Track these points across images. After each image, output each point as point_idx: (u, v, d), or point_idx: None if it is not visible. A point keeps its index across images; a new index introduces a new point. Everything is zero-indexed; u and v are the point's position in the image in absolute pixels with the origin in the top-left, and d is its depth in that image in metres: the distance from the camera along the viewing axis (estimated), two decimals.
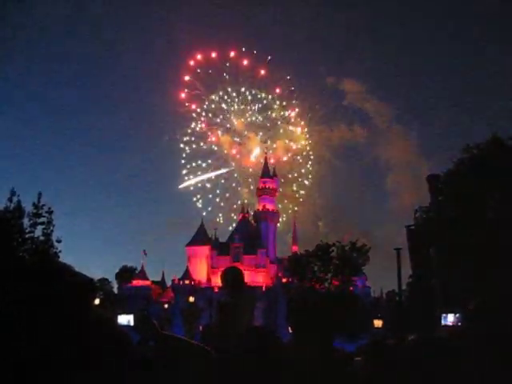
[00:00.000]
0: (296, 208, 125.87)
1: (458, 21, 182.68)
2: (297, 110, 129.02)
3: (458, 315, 18.32)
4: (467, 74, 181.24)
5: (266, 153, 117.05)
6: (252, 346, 2.82)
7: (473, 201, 24.26)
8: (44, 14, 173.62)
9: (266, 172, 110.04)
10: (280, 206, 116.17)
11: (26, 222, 21.77)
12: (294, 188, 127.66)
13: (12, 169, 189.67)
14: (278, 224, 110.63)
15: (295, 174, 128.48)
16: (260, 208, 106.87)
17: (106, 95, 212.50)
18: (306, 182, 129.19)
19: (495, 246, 22.26)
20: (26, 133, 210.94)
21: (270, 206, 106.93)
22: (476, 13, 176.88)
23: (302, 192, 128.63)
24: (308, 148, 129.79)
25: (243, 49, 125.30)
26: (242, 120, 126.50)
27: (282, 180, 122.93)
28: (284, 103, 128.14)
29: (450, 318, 19.61)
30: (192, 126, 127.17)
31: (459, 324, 17.57)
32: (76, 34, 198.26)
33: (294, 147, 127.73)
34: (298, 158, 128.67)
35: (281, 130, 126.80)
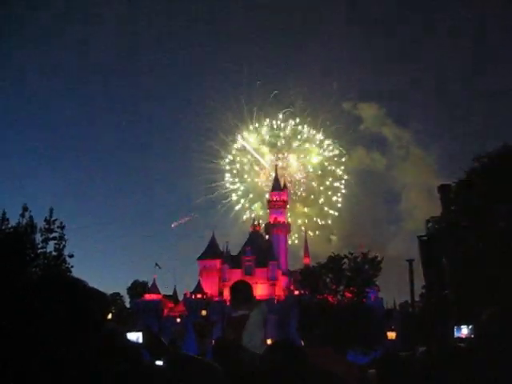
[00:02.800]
0: (307, 220, 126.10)
1: (469, 32, 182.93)
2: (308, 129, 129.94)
3: (471, 327, 18.12)
4: (479, 83, 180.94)
5: (276, 165, 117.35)
6: (279, 361, 2.80)
7: (484, 210, 24.13)
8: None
9: (277, 185, 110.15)
10: (291, 218, 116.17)
11: (38, 237, 21.84)
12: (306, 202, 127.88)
13: (24, 184, 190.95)
14: (289, 236, 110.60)
15: (306, 188, 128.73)
16: (271, 220, 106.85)
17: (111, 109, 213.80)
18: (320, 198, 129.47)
19: (507, 256, 22.10)
20: (39, 149, 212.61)
21: (280, 219, 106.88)
22: (488, 24, 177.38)
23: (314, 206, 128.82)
24: (322, 163, 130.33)
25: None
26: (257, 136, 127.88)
27: (297, 193, 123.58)
28: (297, 120, 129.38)
29: (463, 331, 19.38)
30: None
31: (472, 336, 17.38)
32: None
33: (308, 160, 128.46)
34: (311, 170, 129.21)
35: (294, 145, 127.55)
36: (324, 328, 3.41)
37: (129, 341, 2.46)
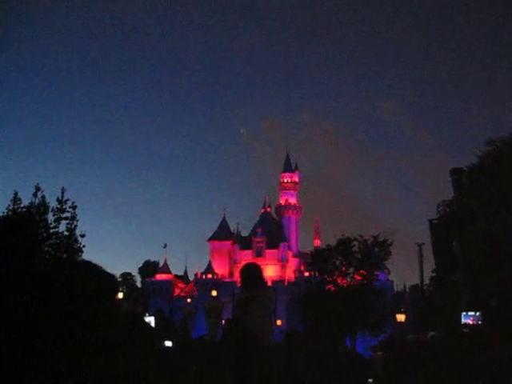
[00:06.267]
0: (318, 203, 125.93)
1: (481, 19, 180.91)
2: None
3: (478, 313, 18.00)
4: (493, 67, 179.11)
5: (287, 147, 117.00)
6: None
7: (496, 194, 23.98)
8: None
9: (288, 166, 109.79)
10: (302, 199, 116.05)
11: (50, 217, 21.99)
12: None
13: (36, 164, 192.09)
14: (300, 218, 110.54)
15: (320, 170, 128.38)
16: (282, 202, 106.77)
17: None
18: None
19: None
20: (51, 129, 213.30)
21: (292, 200, 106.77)
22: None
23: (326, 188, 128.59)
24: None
25: None
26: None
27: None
28: None
29: (470, 317, 19.30)
30: None
31: (479, 322, 17.29)
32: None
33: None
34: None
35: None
36: (321, 312, 3.45)
37: (144, 321, 2.52)
